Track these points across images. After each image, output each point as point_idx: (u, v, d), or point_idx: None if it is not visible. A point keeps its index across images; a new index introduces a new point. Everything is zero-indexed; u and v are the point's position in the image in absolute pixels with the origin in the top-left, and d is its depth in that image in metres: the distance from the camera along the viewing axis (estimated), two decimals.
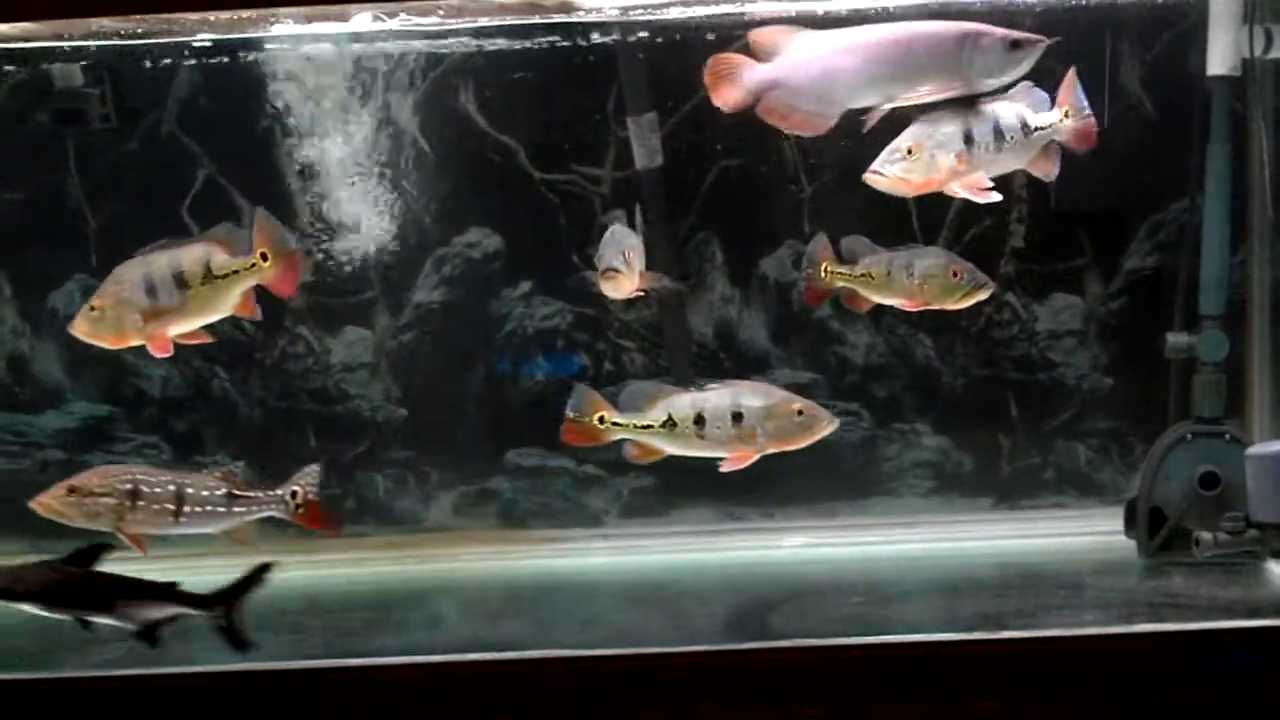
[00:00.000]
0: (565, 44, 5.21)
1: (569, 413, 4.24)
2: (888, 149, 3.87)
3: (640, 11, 4.30)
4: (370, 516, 5.68)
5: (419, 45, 5.34)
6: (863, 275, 4.38)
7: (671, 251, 5.44)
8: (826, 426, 4.26)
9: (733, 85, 3.89)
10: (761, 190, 5.48)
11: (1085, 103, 3.97)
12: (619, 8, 4.23)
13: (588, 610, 4.95)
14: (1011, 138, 3.91)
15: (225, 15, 3.92)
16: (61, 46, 4.79)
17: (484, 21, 4.59)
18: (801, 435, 4.24)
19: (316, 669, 4.25)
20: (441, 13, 4.14)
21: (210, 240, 4.27)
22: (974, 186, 3.92)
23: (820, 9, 4.23)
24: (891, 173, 3.86)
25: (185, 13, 3.86)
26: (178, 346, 4.38)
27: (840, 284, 4.41)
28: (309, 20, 4.26)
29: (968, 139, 3.88)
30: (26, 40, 4.20)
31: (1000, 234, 5.48)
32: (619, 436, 4.24)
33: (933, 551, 5.42)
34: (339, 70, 5.39)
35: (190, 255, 4.23)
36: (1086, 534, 5.41)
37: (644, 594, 5.12)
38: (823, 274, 4.41)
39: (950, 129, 3.87)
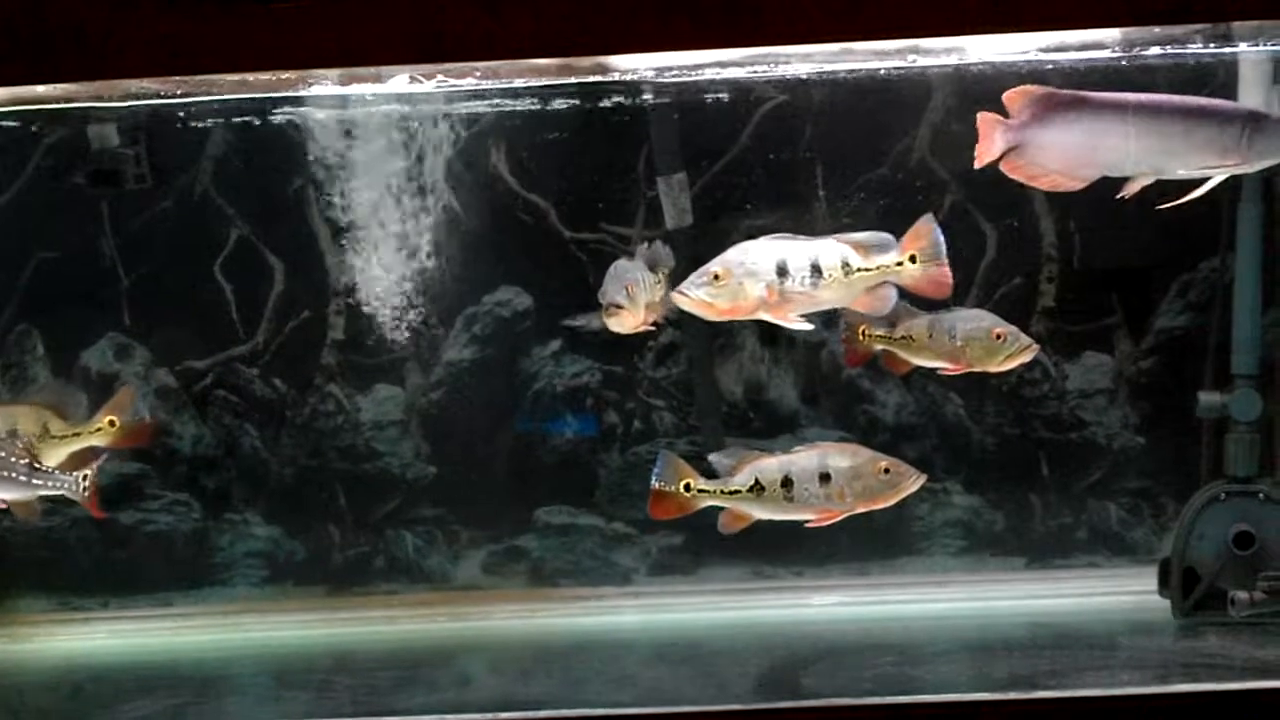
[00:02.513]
0: (596, 104, 5.25)
1: (655, 483, 4.19)
2: (698, 271, 3.87)
3: (675, 73, 4.33)
4: (400, 574, 5.68)
5: (450, 106, 5.39)
6: (903, 338, 4.36)
7: None
8: (913, 483, 4.22)
9: (985, 142, 3.92)
10: None
11: (942, 250, 3.93)
12: (654, 69, 4.27)
13: (618, 669, 4.93)
14: (830, 276, 3.89)
15: (264, 77, 3.97)
16: (99, 107, 4.84)
17: (518, 83, 4.63)
18: (889, 493, 4.20)
19: None
20: (478, 74, 4.17)
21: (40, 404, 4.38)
22: (784, 317, 3.90)
23: (855, 69, 4.27)
24: (696, 296, 3.84)
25: (224, 74, 3.91)
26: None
27: (880, 346, 4.40)
28: (346, 82, 4.31)
29: (781, 271, 3.86)
30: (67, 101, 4.26)
31: (1030, 293, 5.49)
32: (706, 504, 4.21)
33: (964, 611, 5.39)
34: (371, 131, 5.44)
35: (25, 418, 4.33)
36: (1120, 594, 5.37)
37: (674, 652, 5.10)
38: (862, 336, 4.40)
39: (763, 260, 3.85)
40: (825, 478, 4.14)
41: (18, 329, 5.58)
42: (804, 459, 4.17)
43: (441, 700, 4.60)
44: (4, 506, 4.38)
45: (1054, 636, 4.97)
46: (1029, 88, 3.94)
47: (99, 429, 4.41)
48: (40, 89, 4.07)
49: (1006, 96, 3.94)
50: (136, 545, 5.63)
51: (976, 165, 3.95)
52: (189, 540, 5.66)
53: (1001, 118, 3.94)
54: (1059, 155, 3.96)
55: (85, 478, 4.38)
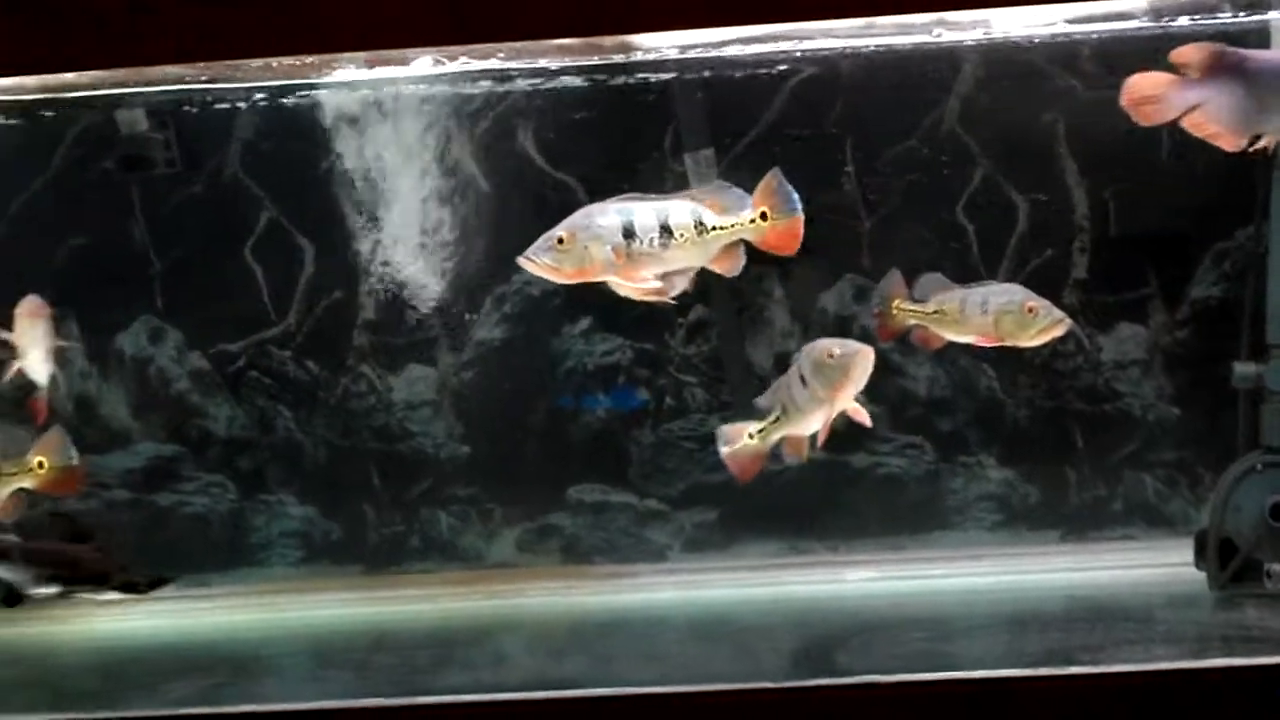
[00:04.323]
0: (622, 82, 5.23)
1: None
2: (544, 236, 3.78)
3: (699, 50, 4.31)
4: (434, 553, 5.71)
5: (475, 86, 5.38)
6: (936, 313, 4.35)
7: (729, 288, 5.44)
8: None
9: (1158, 103, 3.85)
10: (820, 224, 5.46)
11: (794, 202, 3.78)
12: (677, 47, 4.25)
13: (653, 646, 4.94)
14: (682, 235, 3.79)
15: (289, 61, 3.97)
16: (127, 93, 4.86)
17: (543, 62, 4.62)
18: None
19: (385, 707, 4.26)
20: (501, 55, 4.16)
21: None
22: (637, 282, 3.83)
23: (886, 44, 4.23)
24: (542, 260, 3.75)
25: (249, 59, 3.91)
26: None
27: (913, 321, 4.38)
28: (370, 65, 4.30)
29: (628, 233, 3.79)
30: (94, 88, 4.27)
31: (1063, 264, 5.45)
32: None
33: (999, 585, 5.37)
34: (398, 112, 5.45)
35: None
36: (1156, 566, 5.33)
37: (708, 629, 5.10)
38: (895, 311, 4.38)
39: (608, 222, 3.75)
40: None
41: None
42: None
43: (478, 679, 4.63)
44: None
45: (1090, 610, 4.95)
46: (1203, 44, 3.85)
47: (29, 470, 4.32)
48: (68, 76, 4.08)
49: (1176, 54, 3.85)
50: (173, 527, 5.67)
51: (1147, 123, 3.85)
52: (225, 521, 5.70)
53: (1175, 75, 3.86)
54: (1230, 112, 3.88)
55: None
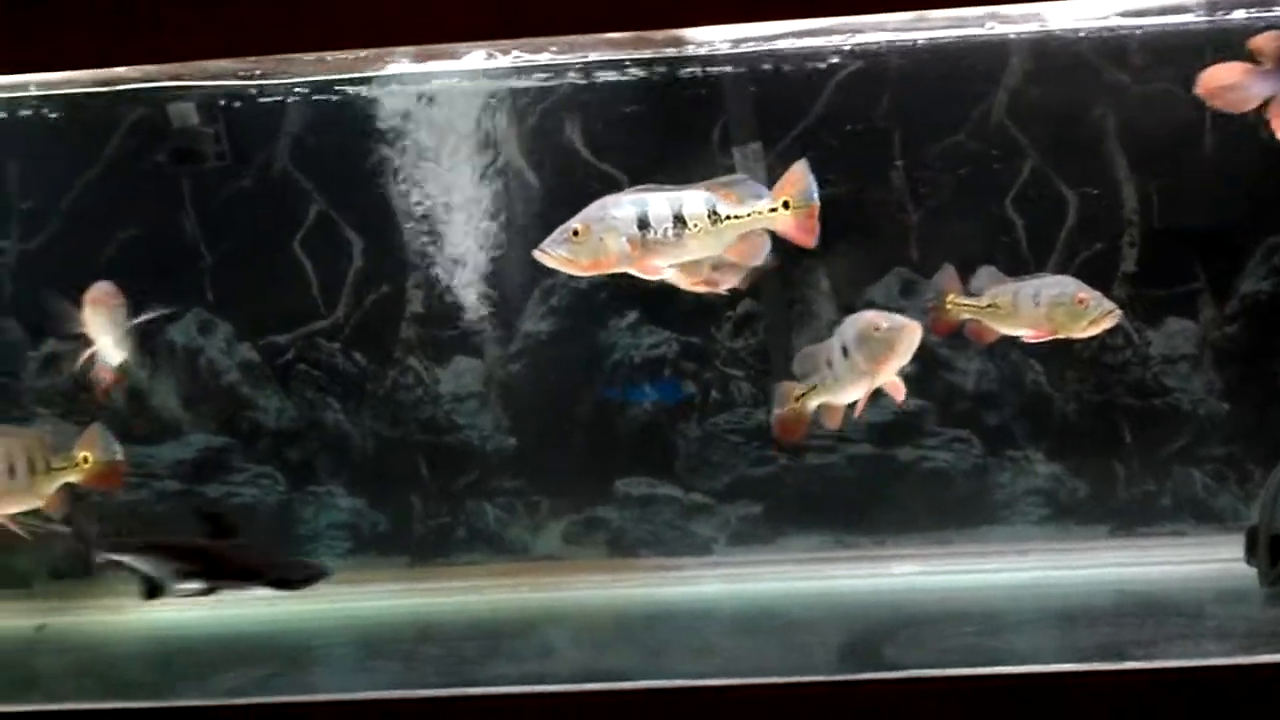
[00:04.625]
0: (671, 76, 5.23)
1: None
2: (559, 229, 3.75)
3: (751, 44, 4.30)
4: (481, 545, 5.73)
5: (524, 80, 5.39)
6: (989, 306, 4.33)
7: (778, 277, 5.44)
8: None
9: (1235, 91, 3.83)
10: (866, 218, 5.47)
11: (814, 196, 3.73)
12: (729, 40, 4.24)
13: (699, 639, 4.93)
14: (696, 225, 3.74)
15: (341, 56, 3.99)
16: (179, 87, 4.90)
17: (592, 56, 4.62)
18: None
19: (432, 698, 4.28)
20: (554, 49, 4.17)
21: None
22: (648, 270, 3.80)
23: (937, 37, 4.21)
24: (557, 253, 3.72)
25: (299, 53, 3.93)
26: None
27: (967, 315, 4.37)
28: (422, 59, 4.32)
29: (642, 224, 3.76)
30: (146, 81, 4.30)
31: (1112, 258, 5.42)
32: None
33: (1047, 580, 5.35)
34: (447, 106, 5.46)
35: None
36: (1205, 562, 5.30)
37: (755, 622, 5.10)
38: (949, 305, 4.37)
39: (623, 213, 3.70)
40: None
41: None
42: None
43: (525, 671, 4.63)
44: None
45: (1139, 605, 4.92)
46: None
47: (75, 464, 4.35)
48: (118, 70, 4.11)
49: (1254, 42, 3.82)
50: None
51: (1232, 110, 3.82)
52: (274, 512, 5.73)
53: (1252, 65, 3.83)
54: None
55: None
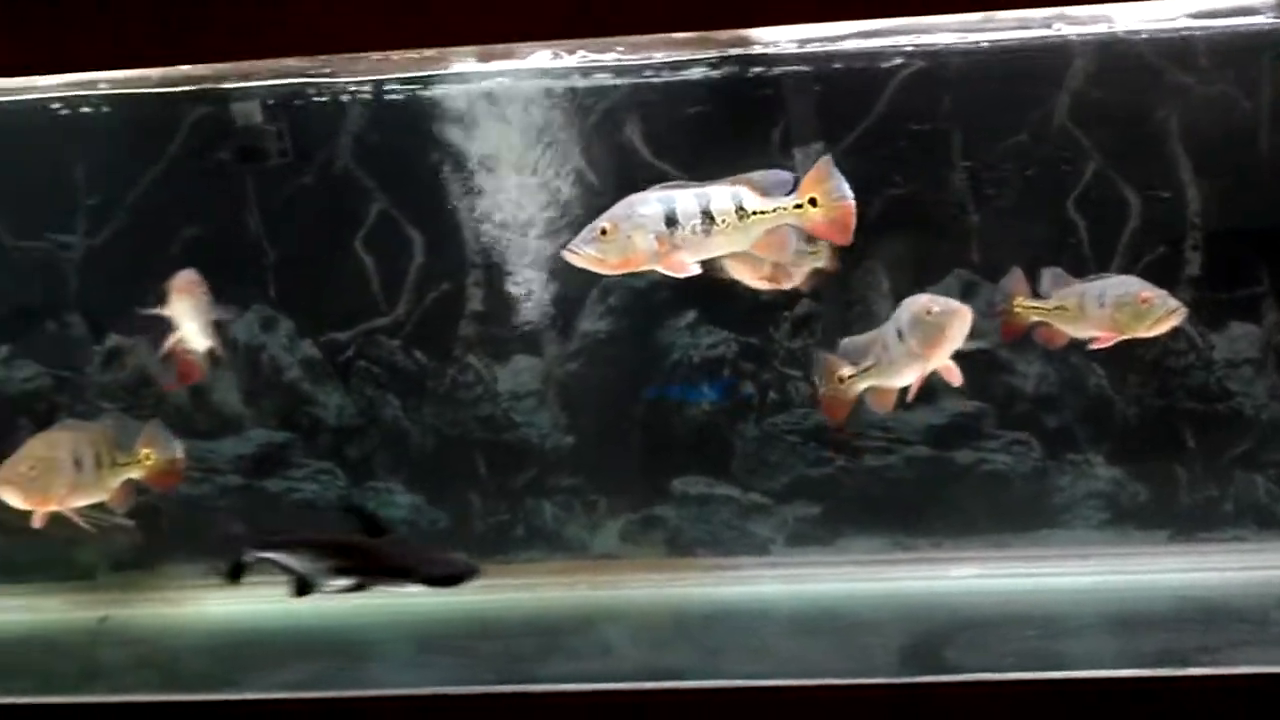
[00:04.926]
0: (732, 76, 5.23)
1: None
2: (587, 227, 3.75)
3: (816, 44, 4.30)
4: (539, 543, 5.74)
5: (585, 79, 5.40)
6: (1057, 308, 4.32)
7: (838, 280, 5.43)
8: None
9: None
10: (928, 219, 5.45)
11: (845, 191, 3.70)
12: (795, 40, 4.23)
13: (757, 639, 4.93)
14: (724, 221, 3.71)
15: (409, 55, 4.01)
16: (246, 87, 4.94)
17: (658, 57, 4.63)
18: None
19: (490, 694, 4.29)
20: (620, 49, 4.17)
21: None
22: (675, 267, 3.78)
23: (1003, 38, 4.20)
24: (586, 252, 3.72)
25: (368, 52, 3.96)
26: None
27: (1036, 318, 4.36)
28: (488, 59, 4.33)
29: (670, 221, 3.73)
30: (218, 81, 4.35)
31: (1176, 261, 5.38)
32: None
33: (1106, 584, 5.31)
34: (507, 105, 5.47)
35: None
36: (1268, 568, 5.27)
37: (813, 623, 5.10)
38: (1017, 309, 4.36)
39: (650, 210, 3.70)
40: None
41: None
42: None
43: (583, 669, 4.64)
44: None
45: (1200, 611, 4.88)
46: None
47: (138, 460, 4.46)
48: (188, 68, 4.14)
49: None
50: (282, 513, 5.75)
51: None
52: (334, 508, 5.77)
53: None
54: None
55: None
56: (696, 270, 3.77)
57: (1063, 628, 4.80)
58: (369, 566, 4.53)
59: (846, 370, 4.22)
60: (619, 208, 3.75)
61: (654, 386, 5.70)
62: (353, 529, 4.70)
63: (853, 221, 3.71)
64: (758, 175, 3.75)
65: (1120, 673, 4.04)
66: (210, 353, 4.84)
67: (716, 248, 3.77)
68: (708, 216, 3.70)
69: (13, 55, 3.84)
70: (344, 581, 4.51)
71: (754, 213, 3.72)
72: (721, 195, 3.72)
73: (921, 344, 4.11)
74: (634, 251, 3.70)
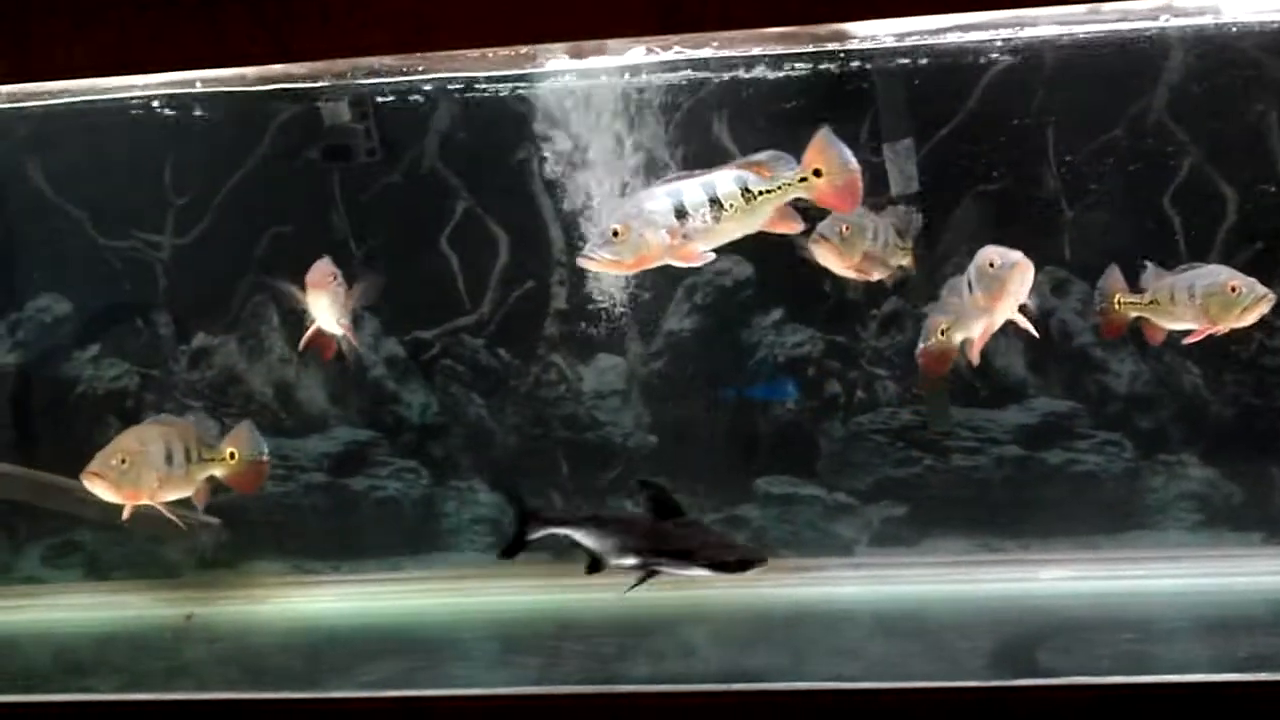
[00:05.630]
0: (822, 72, 5.19)
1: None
2: (598, 231, 3.72)
3: (915, 38, 4.25)
4: None
5: (672, 75, 5.38)
6: (1152, 303, 4.29)
7: (925, 274, 5.37)
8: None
9: None
10: (1020, 214, 5.39)
11: (848, 159, 3.67)
12: (894, 34, 4.19)
13: (842, 641, 4.90)
14: (731, 205, 3.68)
15: (503, 52, 4.00)
16: (338, 85, 4.95)
17: (741, 51, 4.60)
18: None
19: (573, 695, 4.28)
20: (715, 44, 4.15)
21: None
22: (689, 257, 3.74)
23: (1105, 30, 4.13)
24: (601, 256, 3.69)
25: (462, 49, 3.95)
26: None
27: (1135, 314, 4.32)
28: (582, 55, 4.32)
29: (679, 213, 3.68)
30: (313, 80, 4.36)
31: (1274, 258, 5.28)
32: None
33: (1199, 587, 5.23)
34: (593, 101, 5.46)
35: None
36: None
37: (899, 625, 5.05)
38: (1116, 305, 4.33)
39: (659, 205, 3.67)
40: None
41: (254, 300, 5.76)
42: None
43: (667, 670, 4.63)
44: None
45: None
46: None
47: (222, 459, 4.45)
48: (282, 67, 4.15)
49: None
50: (366, 511, 5.77)
51: None
52: (417, 506, 5.78)
53: None
54: None
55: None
56: (711, 258, 3.76)
57: (1156, 631, 4.73)
58: (656, 547, 4.53)
59: (945, 323, 4.22)
60: (627, 207, 3.77)
61: (731, 386, 5.67)
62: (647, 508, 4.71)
63: (860, 187, 3.68)
64: (758, 156, 3.76)
65: (1215, 677, 3.97)
66: (344, 340, 4.86)
67: (727, 232, 3.75)
68: (715, 203, 3.69)
69: (116, 54, 3.87)
70: (629, 561, 4.52)
71: (760, 192, 3.71)
72: (726, 180, 3.72)
73: (986, 296, 4.08)
74: (648, 248, 3.70)
